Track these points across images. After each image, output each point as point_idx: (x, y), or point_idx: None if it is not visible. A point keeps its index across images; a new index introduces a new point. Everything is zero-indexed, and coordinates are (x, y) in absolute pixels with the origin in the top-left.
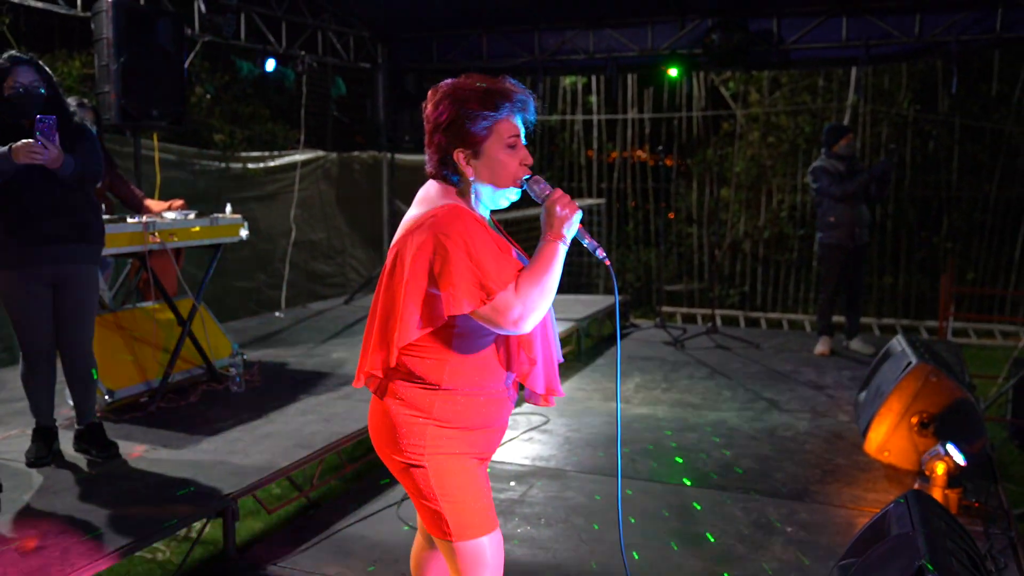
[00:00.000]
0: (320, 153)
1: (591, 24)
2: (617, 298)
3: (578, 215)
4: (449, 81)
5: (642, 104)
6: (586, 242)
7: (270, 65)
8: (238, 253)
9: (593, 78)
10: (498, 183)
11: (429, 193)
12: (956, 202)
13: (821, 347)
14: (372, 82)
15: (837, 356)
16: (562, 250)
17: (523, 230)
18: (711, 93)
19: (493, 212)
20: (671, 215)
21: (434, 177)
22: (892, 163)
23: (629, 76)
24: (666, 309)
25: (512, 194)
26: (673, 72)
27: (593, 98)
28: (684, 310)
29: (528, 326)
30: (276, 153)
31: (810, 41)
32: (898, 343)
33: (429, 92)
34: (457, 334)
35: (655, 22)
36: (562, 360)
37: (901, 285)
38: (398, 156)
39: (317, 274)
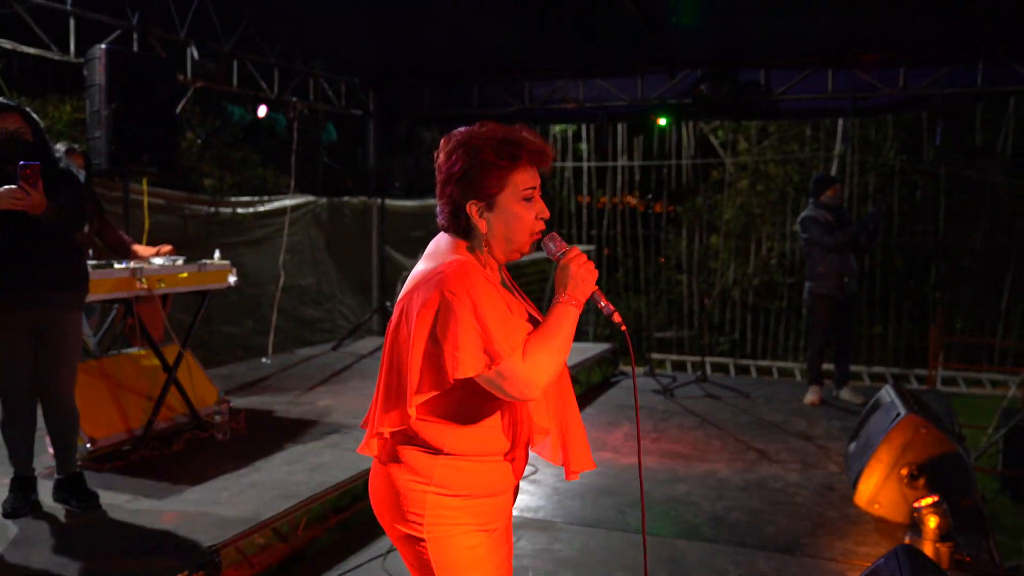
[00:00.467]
0: (310, 198)
1: (581, 74)
2: (635, 370)
3: (595, 276)
4: (463, 129)
5: (632, 151)
6: (602, 305)
7: (262, 111)
8: (226, 298)
9: (583, 126)
10: (512, 237)
11: (439, 247)
12: (944, 251)
13: (811, 396)
14: (363, 128)
15: (827, 405)
16: (575, 314)
17: (528, 273)
18: (700, 141)
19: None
20: (661, 261)
21: (446, 230)
22: (882, 214)
23: (619, 124)
24: (656, 356)
25: (527, 249)
26: (662, 121)
27: (583, 145)
28: (674, 357)
29: (536, 394)
30: (266, 198)
31: (798, 92)
32: (887, 393)
33: (442, 140)
34: (461, 398)
35: (645, 72)
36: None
37: (891, 334)
38: (388, 202)
39: (305, 320)
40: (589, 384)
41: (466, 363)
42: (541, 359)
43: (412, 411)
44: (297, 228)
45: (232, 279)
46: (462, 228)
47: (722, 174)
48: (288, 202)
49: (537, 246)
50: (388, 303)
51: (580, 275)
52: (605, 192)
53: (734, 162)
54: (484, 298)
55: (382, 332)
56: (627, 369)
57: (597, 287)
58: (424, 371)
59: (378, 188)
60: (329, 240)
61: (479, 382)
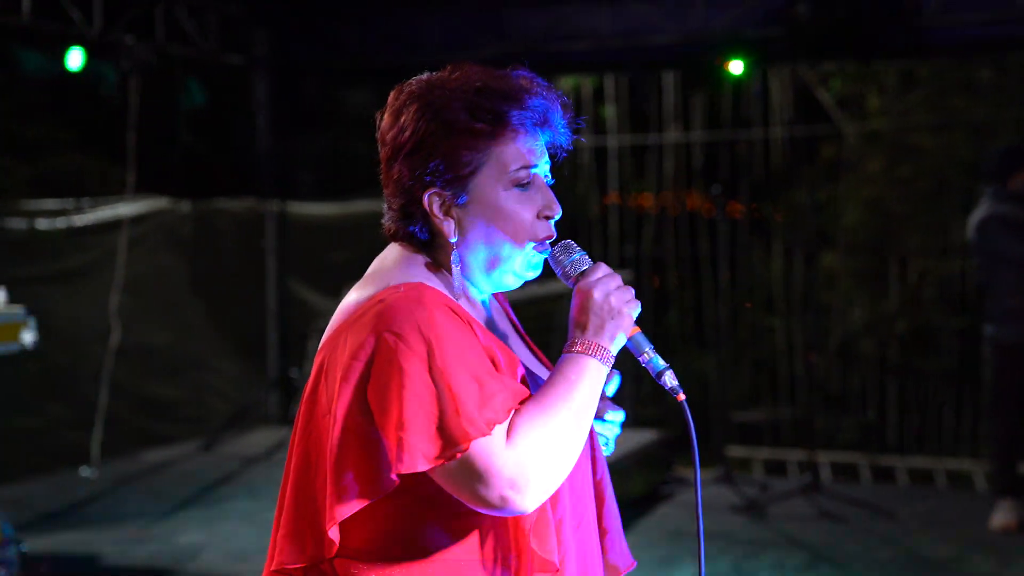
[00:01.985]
0: (162, 203)
1: None
2: (699, 474)
3: (635, 309)
4: (424, 76)
5: (688, 118)
6: (646, 359)
7: (76, 59)
8: (19, 369)
9: (607, 78)
10: (498, 248)
11: (383, 263)
12: None
13: (1002, 517)
14: (247, 87)
15: None
16: (599, 372)
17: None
18: (802, 98)
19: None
20: (748, 306)
21: (394, 236)
22: None
23: (666, 74)
24: (734, 453)
25: (524, 267)
26: (737, 67)
27: (609, 110)
28: (766, 453)
29: (530, 501)
30: (86, 203)
31: (965, 10)
32: None
33: (391, 95)
34: (414, 512)
35: None
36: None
37: None
38: (293, 206)
39: (155, 402)
40: (627, 497)
41: (415, 448)
42: (538, 443)
43: (334, 533)
44: (141, 252)
45: (28, 337)
46: (418, 233)
47: (839, 151)
48: (125, 210)
49: (545, 266)
50: (294, 371)
51: (609, 308)
52: (646, 186)
53: (859, 131)
54: (449, 343)
55: (283, 419)
56: (688, 474)
57: (638, 328)
58: (351, 463)
59: (275, 184)
60: (195, 271)
61: (438, 480)
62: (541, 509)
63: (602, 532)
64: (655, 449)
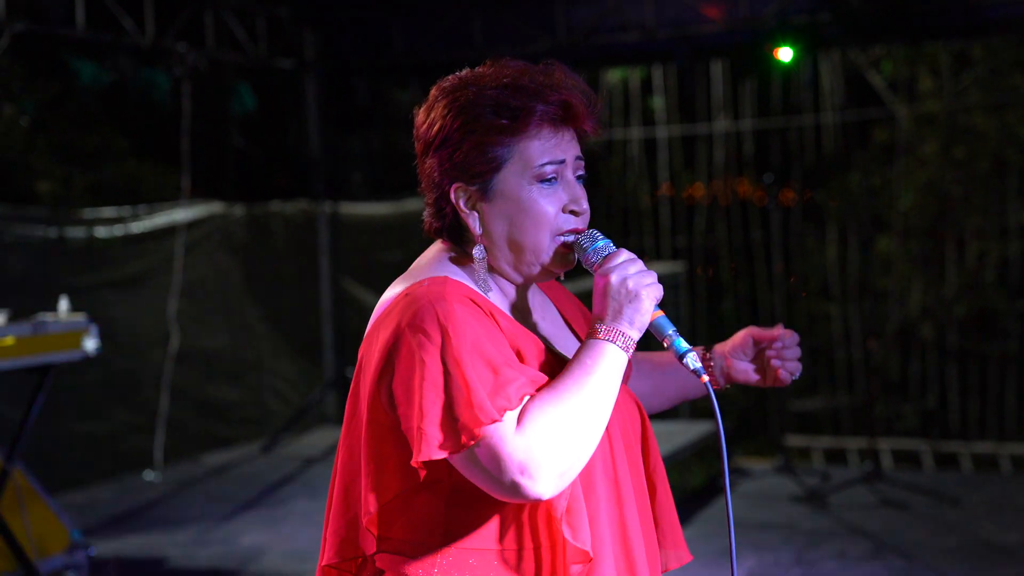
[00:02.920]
0: (216, 207)
1: None
2: (724, 447)
3: (655, 293)
4: (461, 73)
5: (738, 107)
6: (670, 342)
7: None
8: (83, 377)
9: (656, 69)
10: (520, 242)
11: (420, 260)
12: None
13: None
14: (298, 91)
15: None
16: (619, 358)
17: None
18: (853, 83)
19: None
20: (793, 281)
21: (429, 231)
22: None
23: (714, 64)
24: (794, 442)
25: (551, 260)
26: (786, 54)
27: (657, 101)
28: (825, 443)
29: (543, 486)
30: (143, 210)
31: None
32: None
33: (431, 92)
34: (452, 500)
35: None
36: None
37: None
38: (345, 206)
39: (215, 405)
40: (686, 489)
41: (431, 437)
42: (548, 428)
43: (372, 526)
44: (197, 256)
45: (91, 345)
46: (449, 227)
47: (892, 134)
48: (180, 215)
49: (575, 263)
50: (350, 370)
51: (627, 291)
52: (697, 176)
53: (913, 113)
54: (465, 333)
55: (341, 418)
56: (749, 464)
57: (661, 311)
58: (381, 455)
59: (328, 185)
60: (251, 273)
61: (459, 468)
62: (574, 498)
63: (656, 524)
64: (714, 440)
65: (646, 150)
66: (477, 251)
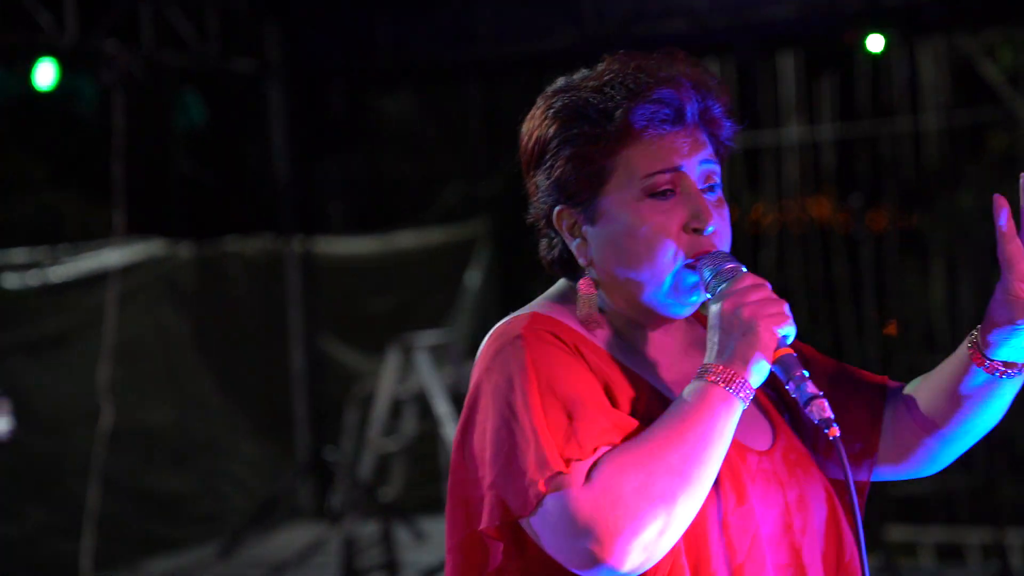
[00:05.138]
0: (158, 247)
1: None
2: (862, 535)
3: (779, 325)
4: (573, 74)
5: (813, 111)
6: (793, 386)
7: (46, 74)
8: None
9: (710, 64)
10: (635, 270)
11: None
12: None
13: None
14: (260, 101)
15: None
16: (725, 403)
17: None
18: (961, 77)
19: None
20: (891, 329)
21: (544, 265)
22: None
23: (784, 58)
24: (897, 536)
25: (677, 291)
26: (876, 42)
27: None
28: (937, 535)
29: (619, 555)
30: (64, 252)
31: None
32: None
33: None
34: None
35: None
36: None
37: None
38: (320, 243)
39: (159, 498)
40: None
41: (499, 496)
42: (623, 483)
43: None
44: (134, 309)
45: (2, 425)
46: (559, 258)
47: (1013, 141)
48: (112, 258)
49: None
50: (330, 451)
51: (740, 322)
52: (763, 196)
53: None
54: (540, 375)
55: (318, 511)
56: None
57: (790, 348)
58: (459, 521)
59: (298, 218)
60: (202, 330)
61: (531, 534)
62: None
63: None
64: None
65: None
66: (581, 284)
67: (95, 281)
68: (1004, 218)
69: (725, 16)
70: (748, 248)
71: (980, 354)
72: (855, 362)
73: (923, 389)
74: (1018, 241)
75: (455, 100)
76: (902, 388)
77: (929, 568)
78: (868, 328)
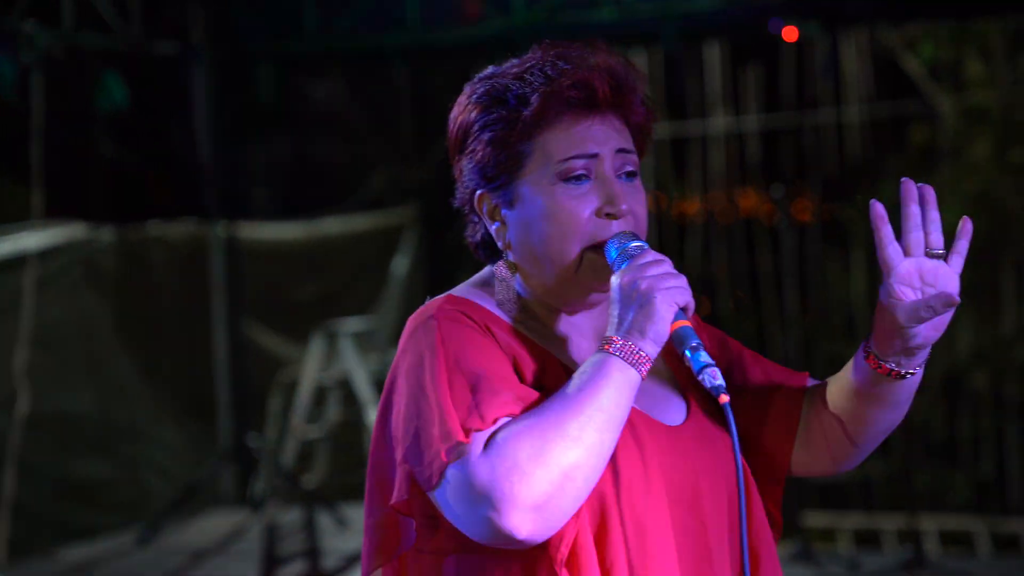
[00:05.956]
0: (78, 231)
1: None
2: (738, 454)
3: (677, 297)
4: (507, 63)
5: (739, 101)
6: (691, 355)
7: None
8: None
9: (637, 54)
10: (548, 254)
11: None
12: None
13: None
14: (184, 83)
15: None
16: (622, 373)
17: None
18: (884, 70)
19: None
20: (810, 318)
21: (469, 246)
22: None
23: (710, 48)
24: (815, 522)
25: (588, 275)
26: (793, 34)
27: None
28: (854, 522)
29: (518, 521)
30: None
31: None
32: None
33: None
34: (461, 564)
35: None
36: None
37: None
38: (245, 229)
39: (78, 485)
40: None
41: (406, 472)
42: (519, 450)
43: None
44: (53, 294)
45: None
46: (481, 242)
47: (934, 134)
48: (30, 242)
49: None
50: (252, 437)
51: (637, 293)
52: (689, 187)
53: (959, 107)
54: (450, 355)
55: (240, 499)
56: None
57: (687, 321)
58: (375, 502)
59: (222, 202)
60: (124, 315)
61: (437, 507)
62: (581, 546)
63: None
64: None
65: None
66: (498, 268)
67: (13, 265)
68: (882, 224)
69: (652, 6)
70: (674, 237)
71: (874, 357)
72: (778, 351)
73: (830, 393)
74: (896, 245)
75: (384, 85)
76: (817, 387)
77: (846, 553)
78: (790, 318)
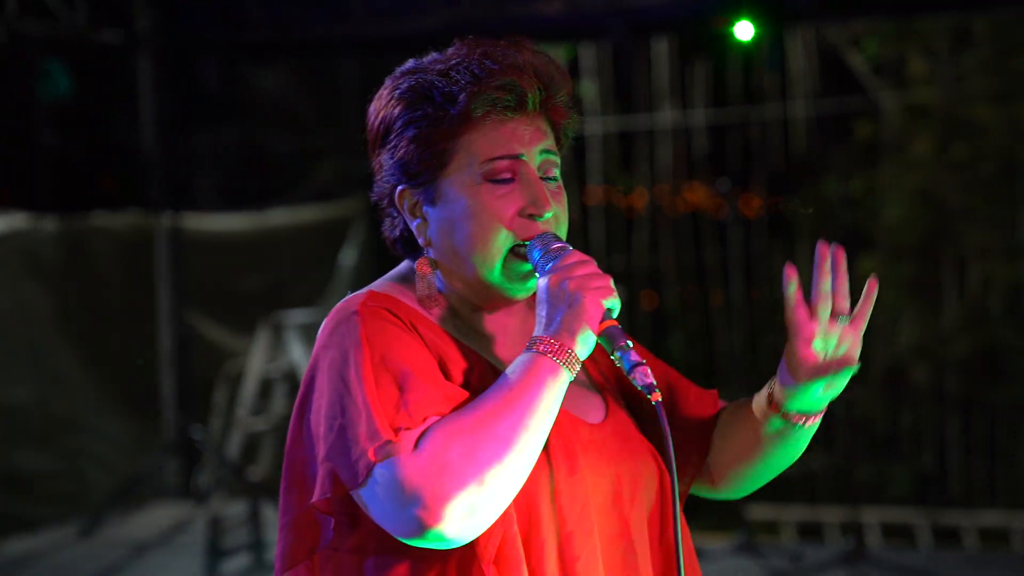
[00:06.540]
0: (19, 221)
1: None
2: (673, 463)
3: (613, 305)
4: (423, 57)
5: (686, 96)
6: (621, 355)
7: None
8: None
9: (585, 48)
10: (469, 252)
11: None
12: None
13: None
14: (129, 72)
15: None
16: (551, 373)
17: None
18: (829, 67)
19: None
20: (756, 311)
21: (388, 244)
22: None
23: (658, 43)
24: (758, 514)
25: (509, 275)
26: (745, 31)
27: (588, 88)
28: (797, 514)
29: (448, 523)
30: None
31: None
32: None
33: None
34: (379, 563)
35: None
36: None
37: None
38: (190, 219)
39: (17, 477)
40: None
41: (325, 472)
42: (449, 450)
43: None
44: None
45: None
46: (401, 238)
47: (877, 130)
48: None
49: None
50: (197, 429)
51: (564, 294)
52: (637, 180)
53: (902, 104)
54: (376, 352)
55: (184, 491)
56: (702, 542)
57: (615, 321)
58: (293, 500)
59: (167, 193)
60: (66, 306)
61: (362, 506)
62: (508, 545)
63: None
64: None
65: (573, 148)
66: (419, 265)
67: None
68: (792, 287)
69: (600, 0)
70: (622, 231)
71: (776, 404)
72: (724, 344)
73: (731, 425)
74: (805, 307)
75: (331, 76)
76: (722, 411)
77: (789, 546)
78: (736, 311)
